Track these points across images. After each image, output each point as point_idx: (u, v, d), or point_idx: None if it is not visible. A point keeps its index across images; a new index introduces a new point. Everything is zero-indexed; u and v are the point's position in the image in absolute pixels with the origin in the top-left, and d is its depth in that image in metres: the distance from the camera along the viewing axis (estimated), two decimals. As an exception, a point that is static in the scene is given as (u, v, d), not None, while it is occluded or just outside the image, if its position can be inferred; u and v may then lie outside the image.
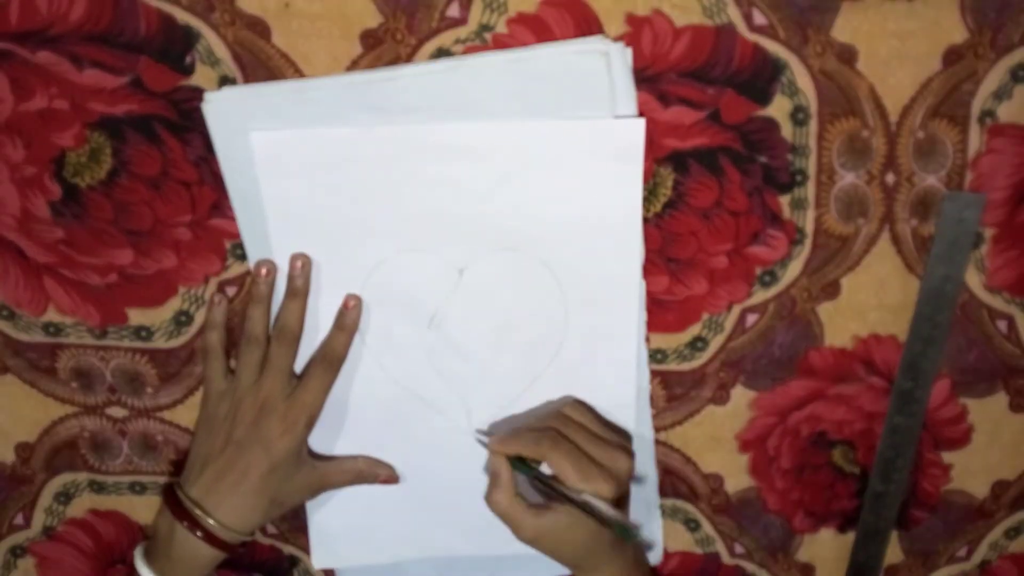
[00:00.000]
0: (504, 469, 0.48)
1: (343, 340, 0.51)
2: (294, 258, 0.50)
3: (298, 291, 0.50)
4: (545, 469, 0.48)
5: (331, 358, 0.51)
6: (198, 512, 0.49)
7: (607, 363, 0.53)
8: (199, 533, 0.49)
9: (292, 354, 0.51)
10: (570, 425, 0.49)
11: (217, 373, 0.52)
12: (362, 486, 0.55)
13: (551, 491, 0.47)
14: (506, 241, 0.50)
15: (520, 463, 0.48)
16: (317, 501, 0.56)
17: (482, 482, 0.50)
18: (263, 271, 0.50)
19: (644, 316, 0.52)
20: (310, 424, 0.50)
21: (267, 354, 0.51)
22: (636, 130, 0.47)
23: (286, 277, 0.50)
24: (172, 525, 0.49)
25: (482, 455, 0.53)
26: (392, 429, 0.55)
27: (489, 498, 0.49)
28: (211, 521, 0.49)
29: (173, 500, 0.50)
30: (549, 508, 0.48)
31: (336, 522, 0.57)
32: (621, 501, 0.48)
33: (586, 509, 0.46)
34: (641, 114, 0.47)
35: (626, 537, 0.46)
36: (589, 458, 0.47)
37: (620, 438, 0.50)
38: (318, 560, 0.58)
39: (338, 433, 0.55)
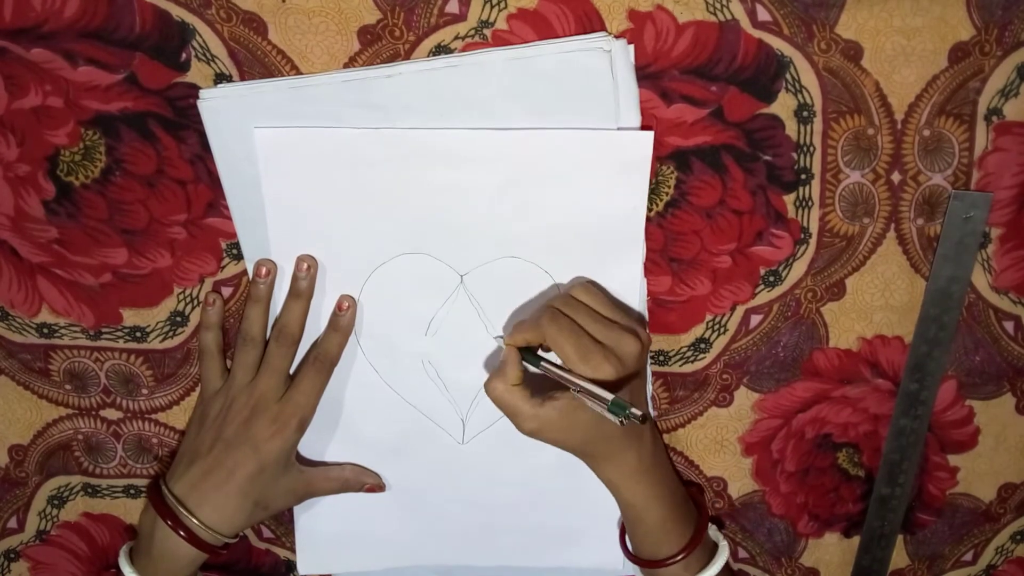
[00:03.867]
0: (512, 360, 0.46)
1: (337, 341, 0.50)
2: (300, 260, 0.49)
3: (301, 292, 0.50)
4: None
5: (324, 359, 0.50)
6: (180, 510, 0.48)
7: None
8: (181, 532, 0.48)
9: (290, 356, 0.50)
10: (573, 305, 0.47)
11: (213, 373, 0.51)
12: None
13: (557, 377, 0.45)
14: (508, 248, 0.50)
15: (530, 355, 0.47)
16: (305, 506, 0.55)
17: (474, 490, 0.49)
18: (263, 271, 0.49)
19: (646, 317, 0.51)
20: (302, 427, 0.50)
21: (264, 354, 0.50)
22: (644, 143, 0.46)
23: (289, 277, 0.50)
24: (154, 522, 0.49)
25: (476, 465, 0.52)
26: (385, 436, 0.54)
27: (487, 385, 0.46)
28: (193, 520, 0.48)
29: (156, 496, 0.49)
30: (551, 397, 0.45)
31: (324, 528, 0.56)
32: (628, 384, 0.45)
33: (580, 390, 0.44)
34: (643, 111, 0.46)
35: (618, 415, 0.42)
36: (591, 338, 0.45)
37: (632, 321, 0.48)
38: (304, 566, 0.57)
39: (330, 438, 0.54)
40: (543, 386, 0.47)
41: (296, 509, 0.56)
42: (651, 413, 0.54)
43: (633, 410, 0.42)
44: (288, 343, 0.50)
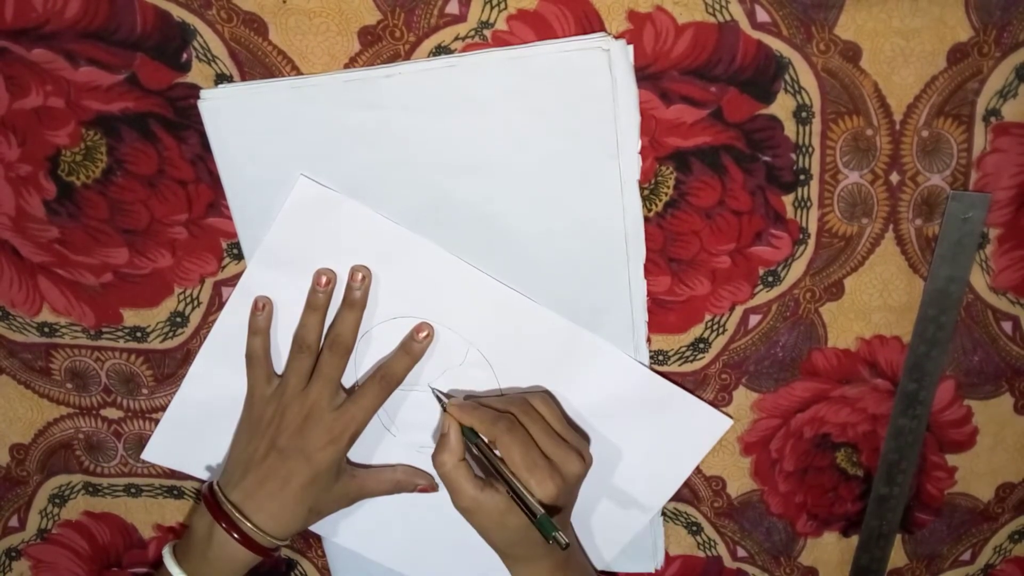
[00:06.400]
0: (454, 433, 0.48)
1: (406, 364, 0.51)
2: (355, 269, 0.49)
3: (355, 302, 0.50)
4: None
5: (389, 379, 0.50)
6: (238, 516, 0.49)
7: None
8: (236, 536, 0.48)
9: (343, 365, 0.50)
10: (531, 414, 0.48)
11: (260, 379, 0.51)
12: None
13: (493, 471, 0.47)
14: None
15: (472, 433, 0.48)
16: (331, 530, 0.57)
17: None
18: (323, 280, 0.50)
19: (645, 317, 0.51)
20: (353, 438, 0.50)
21: (317, 363, 0.50)
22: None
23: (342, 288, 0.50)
24: (211, 527, 0.49)
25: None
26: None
27: (435, 458, 0.48)
28: (250, 525, 0.49)
29: (213, 502, 0.50)
30: (491, 486, 0.47)
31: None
32: (560, 504, 0.47)
33: (517, 498, 0.46)
34: (643, 112, 0.46)
35: (545, 535, 0.44)
36: (540, 451, 0.47)
37: (579, 441, 0.50)
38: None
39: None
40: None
41: (323, 536, 0.58)
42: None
43: (558, 535, 0.44)
44: (341, 352, 0.50)
